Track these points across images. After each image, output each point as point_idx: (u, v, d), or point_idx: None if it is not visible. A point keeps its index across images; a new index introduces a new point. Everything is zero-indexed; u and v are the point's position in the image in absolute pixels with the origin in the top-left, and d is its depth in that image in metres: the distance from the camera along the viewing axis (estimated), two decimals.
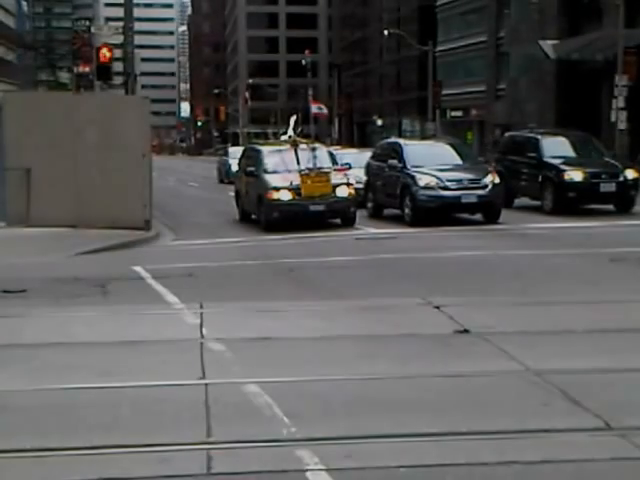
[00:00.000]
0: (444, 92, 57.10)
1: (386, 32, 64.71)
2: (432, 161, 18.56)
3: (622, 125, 32.21)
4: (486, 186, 17.88)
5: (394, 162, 19.01)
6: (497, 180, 18.23)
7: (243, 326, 8.11)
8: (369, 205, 20.34)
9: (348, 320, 8.35)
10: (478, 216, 18.29)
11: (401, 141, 21.71)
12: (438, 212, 17.82)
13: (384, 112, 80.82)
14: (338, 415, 5.42)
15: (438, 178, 17.87)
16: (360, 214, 18.88)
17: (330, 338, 7.58)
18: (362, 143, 65.96)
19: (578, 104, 39.64)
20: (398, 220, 18.51)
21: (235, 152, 41.30)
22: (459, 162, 19.19)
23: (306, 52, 79.76)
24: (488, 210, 18.04)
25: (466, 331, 7.64)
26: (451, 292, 9.72)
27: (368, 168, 20.76)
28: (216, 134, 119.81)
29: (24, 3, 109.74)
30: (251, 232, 17.75)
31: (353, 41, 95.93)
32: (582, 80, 39.77)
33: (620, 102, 32.34)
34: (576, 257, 12.70)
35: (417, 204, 17.86)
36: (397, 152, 19.38)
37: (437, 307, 8.69)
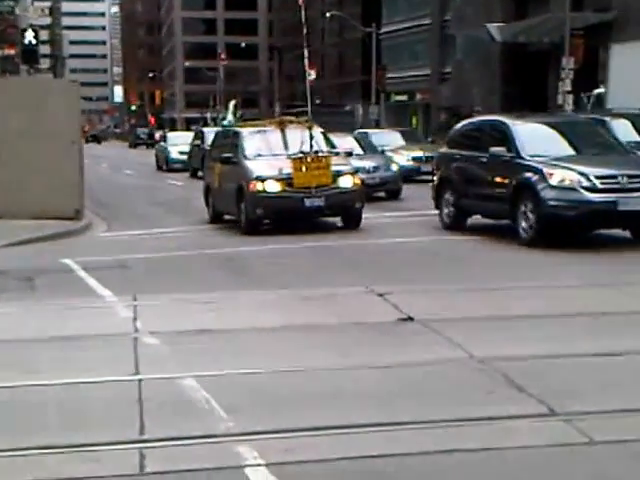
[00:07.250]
0: (388, 75, 56.89)
1: (328, 14, 64.13)
2: (559, 150, 12.84)
3: (569, 108, 32.39)
4: None
5: (499, 150, 13.00)
6: None
7: (179, 319, 7.86)
8: (445, 211, 14.50)
9: (289, 310, 8.17)
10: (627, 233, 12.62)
11: (507, 120, 13.76)
12: (579, 225, 12.03)
13: (326, 96, 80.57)
14: (279, 408, 5.28)
15: (580, 173, 11.84)
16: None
17: (270, 329, 7.39)
18: None
19: (524, 87, 39.86)
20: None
21: (174, 138, 40.26)
22: (604, 151, 13.19)
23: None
24: None
25: (410, 319, 7.50)
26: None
27: (439, 159, 15.41)
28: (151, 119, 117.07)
29: None
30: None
31: (294, 23, 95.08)
32: (528, 63, 39.94)
33: (567, 85, 32.51)
34: None
35: (545, 211, 11.85)
36: (504, 135, 13.23)
37: (380, 295, 8.54)
